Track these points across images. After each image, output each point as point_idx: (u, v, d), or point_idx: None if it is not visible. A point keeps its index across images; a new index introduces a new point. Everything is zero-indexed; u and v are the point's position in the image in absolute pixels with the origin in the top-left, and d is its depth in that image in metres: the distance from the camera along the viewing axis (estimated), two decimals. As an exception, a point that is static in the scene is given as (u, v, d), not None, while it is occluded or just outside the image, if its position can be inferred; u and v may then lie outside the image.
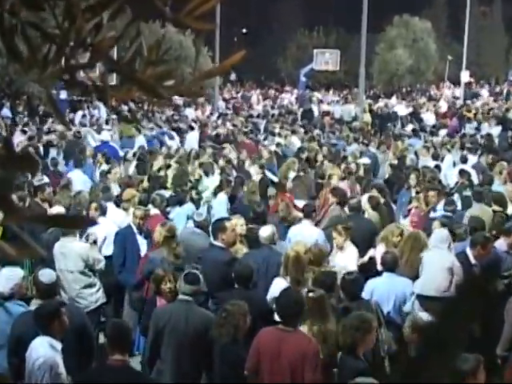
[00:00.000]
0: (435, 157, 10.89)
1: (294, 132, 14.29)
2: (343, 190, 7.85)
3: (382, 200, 7.49)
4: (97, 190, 7.39)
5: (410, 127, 16.94)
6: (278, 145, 12.44)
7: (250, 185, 8.02)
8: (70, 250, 5.48)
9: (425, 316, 4.21)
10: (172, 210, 7.33)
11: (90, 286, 5.55)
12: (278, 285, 4.97)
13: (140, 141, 12.47)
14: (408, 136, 14.53)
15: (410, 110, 21.79)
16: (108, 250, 6.27)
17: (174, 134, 14.15)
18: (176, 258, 5.40)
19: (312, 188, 8.87)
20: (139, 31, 1.23)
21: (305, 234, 6.17)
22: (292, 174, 9.34)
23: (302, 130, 15.00)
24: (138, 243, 6.13)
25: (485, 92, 31.21)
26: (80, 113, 17.63)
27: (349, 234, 5.94)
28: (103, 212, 6.54)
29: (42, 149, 11.50)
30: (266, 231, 5.74)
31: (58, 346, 3.78)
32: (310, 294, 4.30)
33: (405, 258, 5.71)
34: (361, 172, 9.42)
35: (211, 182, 8.70)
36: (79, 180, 8.59)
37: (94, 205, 6.56)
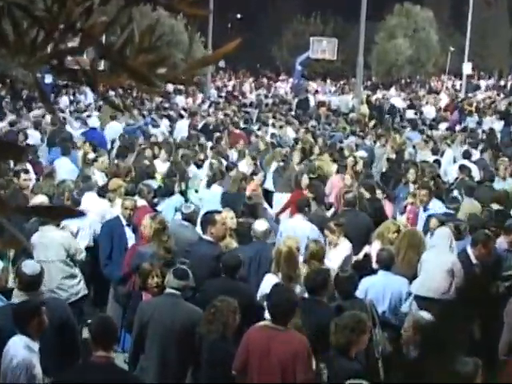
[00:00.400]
0: (435, 151, 10.62)
1: (288, 123, 13.99)
2: (321, 186, 7.66)
3: (368, 195, 7.29)
4: (80, 179, 7.12)
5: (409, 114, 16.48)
6: (272, 135, 12.21)
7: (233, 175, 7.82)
8: (51, 240, 5.28)
9: (426, 315, 4.01)
10: (161, 202, 7.11)
11: (72, 276, 5.34)
12: (269, 281, 4.83)
13: (113, 128, 12.07)
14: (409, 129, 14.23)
15: (407, 102, 21.56)
16: (82, 242, 5.89)
17: (159, 120, 13.79)
18: (167, 251, 5.17)
19: (292, 181, 8.54)
20: (131, 17, 1.21)
21: (297, 229, 6.01)
22: (274, 166, 9.14)
23: (297, 121, 14.68)
24: (125, 236, 5.88)
25: (487, 85, 30.91)
26: (65, 98, 17.27)
27: (342, 230, 5.77)
28: (75, 203, 6.12)
29: (39, 134, 11.19)
30: (261, 226, 5.55)
31: (35, 346, 3.64)
32: None
33: (401, 255, 5.56)
34: (359, 166, 9.16)
35: (194, 174, 8.44)
36: (66, 168, 8.26)
37: (66, 195, 6.20)
